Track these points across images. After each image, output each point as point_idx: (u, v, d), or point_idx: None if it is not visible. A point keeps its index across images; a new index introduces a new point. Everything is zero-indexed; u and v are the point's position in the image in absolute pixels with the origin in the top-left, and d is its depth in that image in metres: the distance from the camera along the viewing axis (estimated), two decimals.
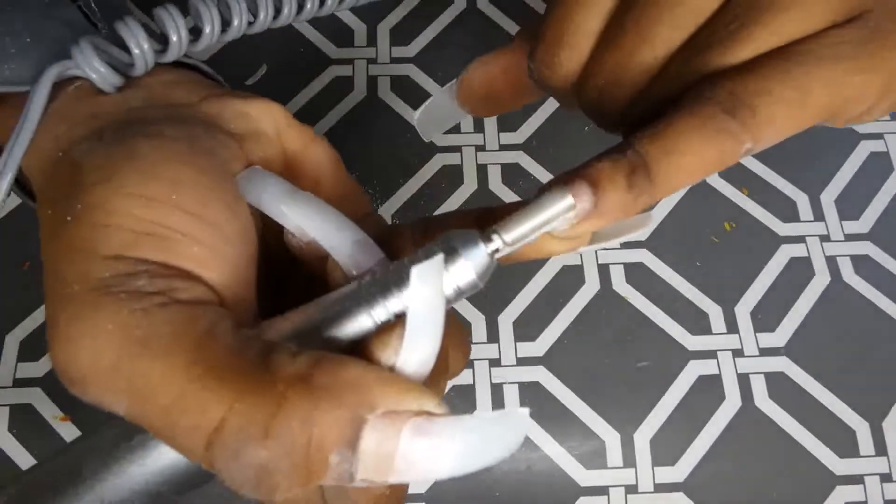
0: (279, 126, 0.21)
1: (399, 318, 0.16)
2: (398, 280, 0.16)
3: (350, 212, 0.20)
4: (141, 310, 0.15)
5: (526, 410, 0.15)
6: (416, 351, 0.15)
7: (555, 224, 0.17)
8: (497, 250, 0.16)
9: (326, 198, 0.20)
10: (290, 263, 0.21)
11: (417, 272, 0.15)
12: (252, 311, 0.19)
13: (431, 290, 0.15)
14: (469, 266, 0.16)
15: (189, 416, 0.14)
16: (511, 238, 0.16)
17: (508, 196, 0.39)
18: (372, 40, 0.42)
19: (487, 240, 0.16)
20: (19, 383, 0.34)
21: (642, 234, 0.19)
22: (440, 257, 0.15)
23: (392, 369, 0.15)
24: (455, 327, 0.21)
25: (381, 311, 0.16)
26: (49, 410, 0.34)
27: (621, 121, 0.21)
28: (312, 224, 0.18)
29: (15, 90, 0.20)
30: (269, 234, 0.21)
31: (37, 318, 0.36)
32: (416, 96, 0.41)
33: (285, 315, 0.17)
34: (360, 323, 0.16)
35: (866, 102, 0.18)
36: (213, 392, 0.14)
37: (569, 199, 0.16)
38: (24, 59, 0.20)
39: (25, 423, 0.34)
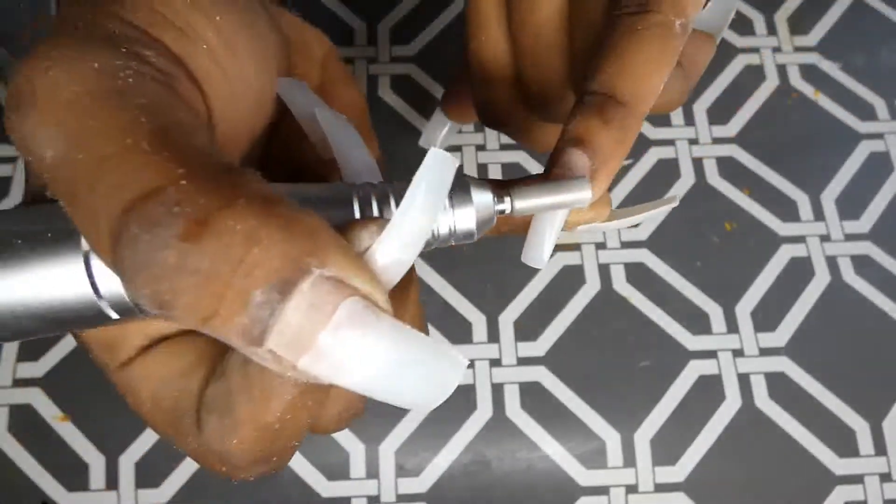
0: (327, 54, 0.21)
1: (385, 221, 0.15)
2: (399, 193, 0.15)
3: None
4: (135, 70, 0.14)
5: (465, 361, 0.13)
6: (392, 242, 0.14)
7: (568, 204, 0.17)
8: (503, 211, 0.16)
9: None
10: (288, 177, 0.20)
11: (434, 155, 0.13)
12: None
13: (436, 183, 0.14)
14: (473, 213, 0.16)
15: (123, 172, 0.12)
16: (521, 206, 0.16)
17: None
18: (372, 39, 0.42)
19: (499, 198, 0.16)
20: (19, 383, 0.34)
21: (666, 211, 0.19)
22: (457, 161, 0.14)
23: (361, 256, 0.14)
24: (417, 306, 0.20)
25: (370, 213, 0.15)
26: (48, 410, 0.34)
27: (572, 87, 0.22)
28: (333, 132, 0.18)
29: None
30: (280, 146, 0.21)
31: None
32: (416, 95, 0.41)
33: (274, 183, 0.15)
34: (348, 214, 0.15)
35: None
36: (165, 159, 0.12)
37: (588, 192, 0.16)
38: None
39: (25, 423, 0.34)
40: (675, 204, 0.19)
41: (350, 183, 0.16)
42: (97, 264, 0.14)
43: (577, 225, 0.19)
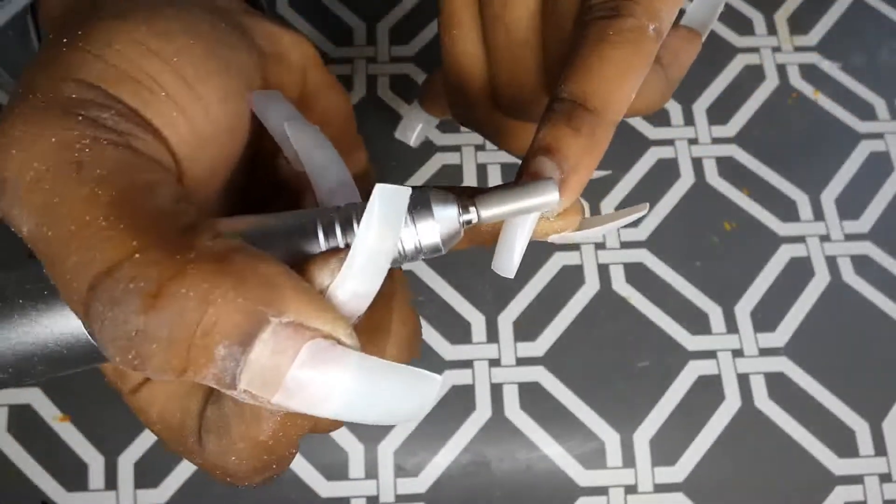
0: (306, 61, 0.21)
1: (348, 247, 0.15)
2: (361, 215, 0.15)
3: (350, 167, 0.20)
4: (92, 137, 0.14)
5: (438, 378, 0.13)
6: (352, 279, 0.14)
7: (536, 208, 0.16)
8: (469, 222, 0.16)
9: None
10: (272, 193, 0.21)
11: (381, 190, 0.14)
12: (209, 205, 0.18)
13: (387, 216, 0.14)
14: (436, 227, 0.15)
15: (86, 250, 0.13)
16: (487, 215, 0.16)
17: None
18: (371, 39, 0.42)
19: (463, 209, 0.16)
20: (19, 383, 0.34)
21: (636, 217, 0.19)
22: (408, 190, 0.14)
23: (323, 293, 0.14)
24: (404, 311, 0.20)
25: (334, 241, 0.15)
26: (48, 411, 0.34)
27: (545, 89, 0.22)
28: (305, 148, 0.18)
29: None
30: (263, 158, 0.21)
31: None
32: (415, 96, 0.41)
33: (241, 216, 0.16)
34: (311, 244, 0.15)
35: None
36: (120, 233, 0.13)
37: (555, 195, 0.16)
38: None
39: (25, 423, 0.34)
40: (645, 212, 0.19)
41: (315, 209, 0.16)
42: None
43: (547, 235, 0.18)
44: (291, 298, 0.13)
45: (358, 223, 0.15)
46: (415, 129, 0.35)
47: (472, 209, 0.16)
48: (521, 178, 0.17)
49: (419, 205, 0.15)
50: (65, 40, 0.16)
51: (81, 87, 0.15)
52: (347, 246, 0.15)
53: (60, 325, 0.16)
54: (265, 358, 0.12)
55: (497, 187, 0.17)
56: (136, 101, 0.16)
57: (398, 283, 0.19)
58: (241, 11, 0.20)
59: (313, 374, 0.13)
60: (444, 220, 0.16)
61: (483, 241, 0.19)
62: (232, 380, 0.13)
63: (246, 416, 0.15)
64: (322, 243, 0.15)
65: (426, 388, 0.13)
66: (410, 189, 0.14)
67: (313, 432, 0.18)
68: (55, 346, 0.16)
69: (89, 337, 0.15)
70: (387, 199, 0.14)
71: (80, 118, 0.15)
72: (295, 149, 0.18)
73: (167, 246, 0.13)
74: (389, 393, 0.13)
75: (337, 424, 0.19)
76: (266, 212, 0.18)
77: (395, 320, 0.19)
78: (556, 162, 0.17)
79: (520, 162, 0.18)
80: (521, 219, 0.17)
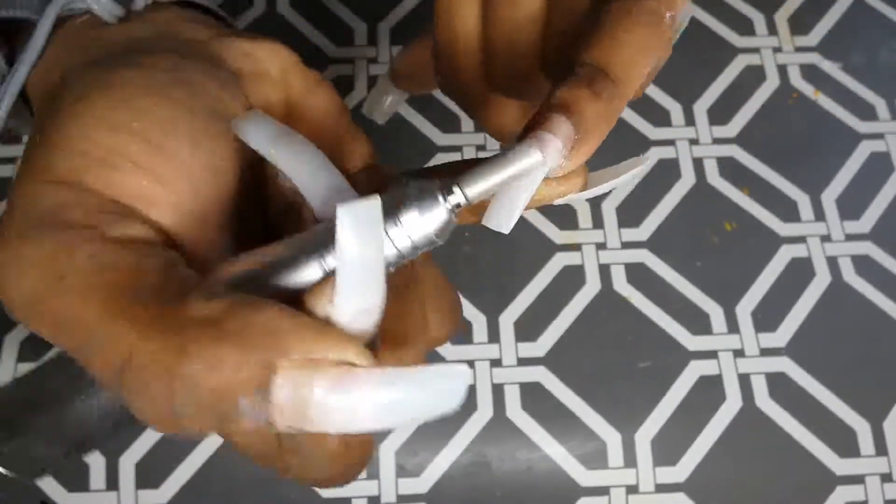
0: (285, 68, 0.21)
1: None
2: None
3: (352, 162, 0.20)
4: (65, 242, 0.15)
5: (464, 370, 0.14)
6: (349, 300, 0.14)
7: (536, 179, 0.16)
8: (458, 205, 0.16)
9: (328, 145, 0.19)
10: (288, 208, 0.20)
11: (343, 210, 0.14)
12: (219, 251, 0.18)
13: (361, 232, 0.14)
14: (425, 221, 0.15)
15: (100, 353, 0.14)
16: (473, 194, 0.16)
17: None
18: (372, 39, 0.42)
19: (447, 192, 0.15)
20: None
21: (638, 175, 0.18)
22: (376, 200, 0.14)
23: (328, 320, 0.14)
24: (438, 288, 0.20)
25: (331, 260, 0.15)
26: None
27: (541, 68, 0.22)
28: (291, 165, 0.17)
29: (25, 15, 0.20)
30: (267, 177, 0.21)
31: None
32: (416, 96, 0.41)
33: (239, 257, 0.16)
34: (310, 271, 0.15)
35: None
36: (121, 329, 0.14)
37: (537, 156, 0.16)
38: None
39: None
40: (648, 162, 0.19)
41: (308, 231, 0.16)
42: None
43: (551, 199, 0.18)
44: (293, 337, 0.13)
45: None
46: (383, 105, 0.34)
47: (457, 190, 0.15)
48: (532, 131, 0.17)
49: (403, 202, 0.15)
50: (38, 137, 0.17)
51: (53, 190, 0.16)
52: None
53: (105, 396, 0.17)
54: (287, 398, 0.13)
55: (478, 161, 0.16)
56: (101, 184, 0.16)
57: (420, 267, 0.19)
58: (211, 38, 0.20)
59: (336, 400, 0.13)
60: (429, 212, 0.15)
61: (465, 219, 0.19)
62: (267, 423, 0.14)
63: (311, 434, 0.16)
64: (321, 269, 0.15)
65: (453, 383, 0.14)
66: (377, 199, 0.14)
67: None
68: (110, 416, 0.17)
69: None
70: (352, 215, 0.14)
71: (52, 228, 0.15)
72: (282, 169, 0.18)
73: (163, 326, 0.14)
74: (416, 397, 0.13)
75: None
76: (285, 229, 0.18)
77: (428, 305, 0.19)
78: (572, 121, 0.16)
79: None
80: (523, 179, 0.17)
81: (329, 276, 0.15)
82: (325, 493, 0.34)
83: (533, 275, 0.38)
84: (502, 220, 0.17)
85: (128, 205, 0.16)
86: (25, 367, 0.35)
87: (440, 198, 0.15)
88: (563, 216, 0.39)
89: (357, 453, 0.17)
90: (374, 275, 0.14)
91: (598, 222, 0.39)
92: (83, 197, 0.16)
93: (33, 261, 0.15)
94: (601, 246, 0.39)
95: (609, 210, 0.39)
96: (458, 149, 0.40)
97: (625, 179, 0.19)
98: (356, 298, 0.14)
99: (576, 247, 0.38)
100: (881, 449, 0.35)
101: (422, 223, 0.15)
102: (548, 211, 0.39)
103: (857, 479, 0.35)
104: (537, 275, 0.38)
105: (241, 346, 0.13)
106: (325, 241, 0.15)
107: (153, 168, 0.17)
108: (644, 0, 0.18)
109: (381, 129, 0.40)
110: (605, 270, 0.38)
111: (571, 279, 0.38)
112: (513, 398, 0.35)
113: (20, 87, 0.20)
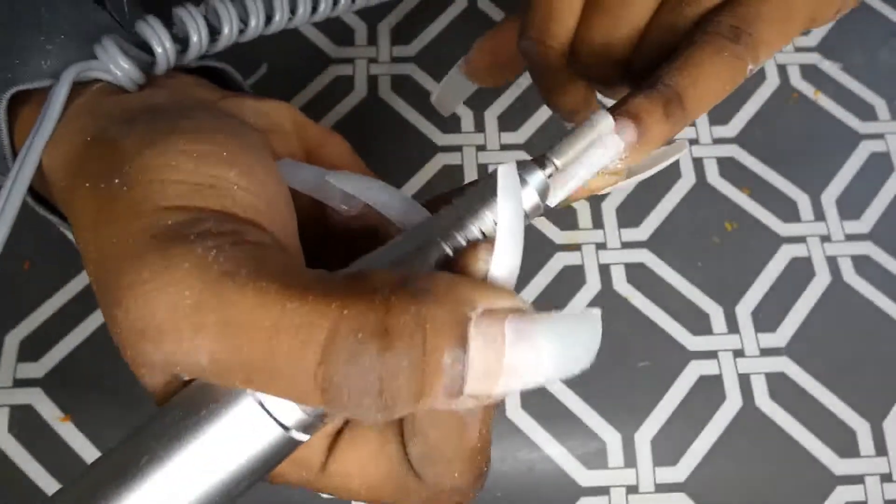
0: (297, 122, 0.21)
1: (479, 241, 0.16)
2: (469, 209, 0.17)
3: None
4: (215, 247, 0.15)
5: (597, 311, 0.15)
6: (505, 258, 0.15)
7: (603, 158, 0.18)
8: (551, 174, 0.18)
9: None
10: (317, 247, 0.21)
11: (503, 170, 0.16)
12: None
13: (512, 189, 0.16)
14: (532, 190, 0.17)
15: (296, 335, 0.14)
16: (562, 161, 0.18)
17: None
18: (373, 39, 0.42)
19: (542, 165, 0.18)
20: (19, 384, 0.34)
21: (678, 158, 0.21)
22: (514, 164, 0.16)
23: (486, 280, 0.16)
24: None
25: (455, 241, 0.16)
26: (49, 411, 0.34)
27: (623, 76, 0.24)
28: (360, 187, 0.19)
29: (38, 85, 0.20)
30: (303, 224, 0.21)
31: (37, 318, 0.35)
32: (417, 96, 0.41)
33: (350, 266, 0.17)
34: (435, 254, 0.16)
35: (836, 5, 0.22)
36: (318, 304, 0.14)
37: (610, 120, 0.18)
38: (59, 56, 0.21)
39: (26, 424, 0.34)
40: (685, 150, 0.21)
41: (425, 222, 0.18)
42: (270, 403, 0.15)
43: (600, 189, 0.20)
44: (475, 292, 0.14)
45: (469, 216, 0.16)
46: (454, 95, 0.33)
47: (550, 162, 0.18)
48: (615, 110, 0.19)
49: (522, 170, 0.17)
50: (116, 181, 0.16)
51: (169, 213, 0.15)
52: (484, 235, 0.16)
53: (248, 432, 0.15)
54: (481, 350, 0.14)
55: (562, 137, 0.18)
56: (220, 203, 0.16)
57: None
58: (220, 98, 0.21)
59: (523, 347, 0.14)
60: (535, 182, 0.17)
61: (573, 198, 0.21)
62: (460, 385, 0.14)
63: (453, 432, 0.16)
64: (447, 250, 0.16)
65: (596, 323, 0.15)
66: (516, 163, 0.16)
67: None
68: (250, 457, 0.16)
69: (281, 429, 0.15)
70: (505, 175, 0.16)
71: (192, 237, 0.15)
72: (350, 192, 0.19)
73: (359, 294, 0.14)
74: (578, 337, 0.15)
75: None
76: (359, 246, 0.19)
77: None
78: (637, 129, 0.19)
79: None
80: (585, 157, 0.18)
81: (472, 244, 0.16)
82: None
83: (533, 275, 0.38)
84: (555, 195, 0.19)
85: (247, 217, 0.16)
86: (26, 367, 0.35)
87: (539, 169, 0.17)
88: (564, 216, 0.39)
89: (488, 452, 0.17)
90: (520, 233, 0.16)
91: (598, 222, 0.39)
92: (204, 214, 0.16)
93: (188, 268, 0.14)
94: (601, 246, 0.39)
95: (609, 210, 0.39)
96: (458, 149, 0.40)
97: (666, 164, 0.21)
98: (510, 254, 0.15)
99: (576, 247, 0.38)
100: (881, 449, 0.35)
101: (532, 193, 0.17)
102: (548, 211, 0.39)
103: (857, 479, 0.35)
104: (537, 275, 0.38)
105: (437, 301, 0.14)
106: (444, 226, 0.17)
107: (254, 191, 0.17)
108: (737, 45, 0.20)
109: (381, 129, 0.40)
110: (605, 270, 0.38)
111: (571, 279, 0.38)
112: (513, 398, 0.35)
113: (40, 152, 0.19)
